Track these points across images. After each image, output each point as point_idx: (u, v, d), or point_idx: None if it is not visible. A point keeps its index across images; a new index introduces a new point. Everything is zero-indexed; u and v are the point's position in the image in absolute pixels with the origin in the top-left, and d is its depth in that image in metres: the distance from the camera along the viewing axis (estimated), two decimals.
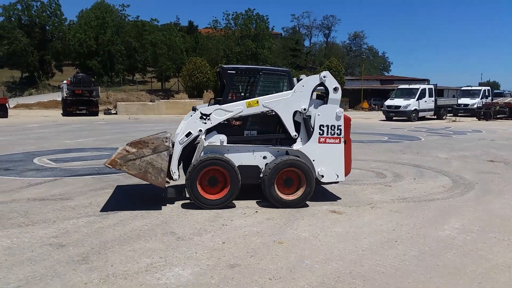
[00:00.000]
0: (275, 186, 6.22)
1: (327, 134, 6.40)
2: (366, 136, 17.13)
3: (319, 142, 6.39)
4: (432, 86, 30.32)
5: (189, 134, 6.20)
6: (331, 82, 6.43)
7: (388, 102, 29.63)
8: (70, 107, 30.73)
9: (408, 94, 29.19)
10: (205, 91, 44.98)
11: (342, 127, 6.43)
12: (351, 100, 46.33)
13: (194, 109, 6.60)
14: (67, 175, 8.53)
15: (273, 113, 6.36)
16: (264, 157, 6.39)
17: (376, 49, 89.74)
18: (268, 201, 6.23)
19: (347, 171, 6.64)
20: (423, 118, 29.06)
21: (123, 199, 6.69)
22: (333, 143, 6.41)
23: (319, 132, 6.38)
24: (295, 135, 6.39)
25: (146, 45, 50.85)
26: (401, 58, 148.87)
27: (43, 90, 46.52)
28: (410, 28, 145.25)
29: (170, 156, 6.16)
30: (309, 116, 6.45)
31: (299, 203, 6.29)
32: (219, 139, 6.20)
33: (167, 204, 6.34)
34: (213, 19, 60.66)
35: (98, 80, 44.94)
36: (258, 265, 4.16)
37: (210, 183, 6.15)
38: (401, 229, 5.34)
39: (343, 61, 66.89)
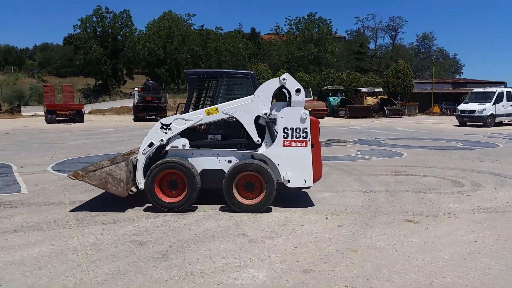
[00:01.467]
0: (234, 190, 6.09)
1: (292, 137, 6.15)
2: (439, 143, 16.30)
3: (284, 145, 6.16)
4: (510, 90, 28.19)
5: (151, 144, 6.26)
6: (292, 84, 6.24)
7: (462, 107, 27.94)
8: (141, 113, 32.24)
9: (483, 98, 27.35)
10: None
11: (308, 130, 6.16)
12: (421, 104, 44.25)
13: (157, 120, 6.63)
14: None
15: (234, 119, 6.25)
16: (229, 161, 6.25)
17: (447, 50, 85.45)
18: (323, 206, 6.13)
19: (316, 176, 6.35)
20: (500, 124, 27.11)
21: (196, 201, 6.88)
22: (298, 146, 6.15)
23: (283, 136, 6.16)
24: (258, 141, 6.19)
25: (211, 53, 52.32)
26: (474, 60, 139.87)
27: (115, 97, 49.37)
28: (484, 27, 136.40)
29: (135, 167, 6.28)
30: (274, 119, 6.24)
31: (260, 208, 6.09)
32: (181, 143, 6.24)
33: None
34: (275, 25, 61.18)
35: (166, 87, 46.94)
36: (333, 272, 4.10)
37: (170, 186, 6.14)
38: (483, 241, 5.00)
39: (411, 63, 64.24)
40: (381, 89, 41.70)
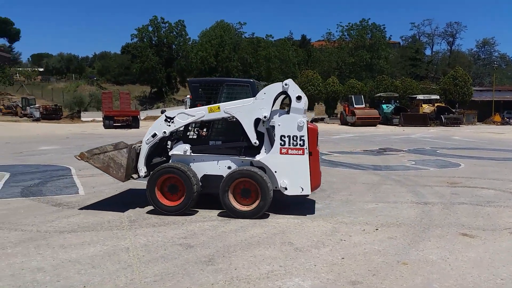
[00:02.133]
0: (230, 196, 6.13)
1: (289, 145, 6.10)
2: (500, 153, 15.37)
3: (281, 153, 6.13)
4: None
5: (154, 135, 6.47)
6: (294, 90, 6.15)
7: None
8: None
9: None
10: (316, 103, 45.02)
11: (306, 138, 6.07)
12: (480, 113, 42.00)
13: (163, 112, 6.73)
14: None
15: (234, 119, 6.25)
16: (229, 167, 6.30)
17: (510, 56, 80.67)
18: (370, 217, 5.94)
19: (314, 185, 6.24)
20: None
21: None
22: (295, 154, 6.09)
23: (280, 143, 6.13)
24: (255, 143, 6.18)
25: (260, 60, 52.80)
26: None
27: (169, 104, 51.12)
28: None
29: (138, 155, 6.51)
30: (274, 127, 6.20)
31: (255, 214, 6.07)
32: (183, 149, 6.39)
33: (283, 214, 6.43)
34: (327, 32, 60.76)
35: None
36: (381, 284, 3.97)
37: (170, 190, 6.30)
38: None
39: (470, 70, 61.22)
40: (437, 97, 40.11)
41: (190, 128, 6.70)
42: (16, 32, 75.39)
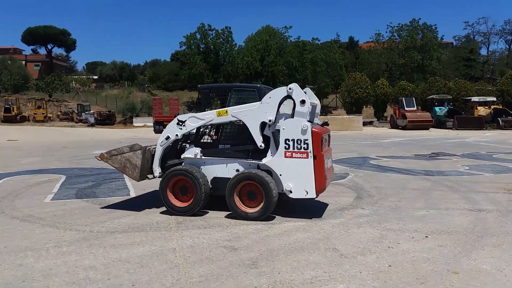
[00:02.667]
0: (235, 198, 6.29)
1: (293, 149, 6.15)
2: None
3: (285, 156, 6.19)
4: None
5: (168, 137, 6.83)
6: (298, 94, 6.16)
7: None
8: None
9: None
10: (364, 106, 44.03)
11: (310, 141, 6.07)
12: None
13: (175, 116, 7.04)
14: None
15: (241, 122, 6.43)
16: (237, 170, 6.47)
17: None
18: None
19: (319, 188, 6.22)
20: None
21: (287, 211, 6.93)
22: (300, 158, 6.12)
23: (285, 146, 6.19)
24: (261, 146, 6.29)
25: (306, 64, 52.47)
26: None
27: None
28: None
29: (153, 156, 6.89)
30: (279, 130, 6.28)
31: (259, 217, 6.19)
32: (194, 152, 6.66)
33: (328, 220, 6.35)
34: (376, 33, 59.28)
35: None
36: None
37: (181, 191, 6.59)
38: None
39: None
40: (494, 98, 38.01)
41: (201, 132, 6.96)
42: (72, 42, 79.82)
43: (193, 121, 6.72)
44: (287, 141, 6.21)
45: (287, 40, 58.90)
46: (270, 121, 6.25)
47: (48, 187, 9.13)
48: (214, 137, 7.02)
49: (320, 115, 7.56)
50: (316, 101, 6.95)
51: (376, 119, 42.67)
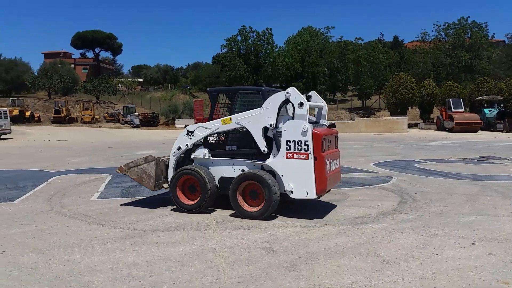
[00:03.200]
0: (239, 197, 6.49)
1: (294, 150, 6.26)
2: None
3: (287, 157, 6.32)
4: None
5: (179, 148, 7.16)
6: (296, 97, 6.31)
7: None
8: None
9: None
10: (409, 108, 42.65)
11: (310, 143, 6.15)
12: None
13: (185, 126, 7.42)
14: None
15: (245, 129, 6.63)
16: (243, 170, 6.67)
17: None
18: None
19: (320, 189, 6.27)
20: None
21: (325, 214, 6.85)
22: (300, 159, 6.22)
23: (286, 148, 6.32)
24: (264, 150, 6.48)
25: (349, 64, 51.60)
26: None
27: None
28: None
29: (167, 166, 7.27)
30: (280, 132, 6.41)
31: (260, 216, 6.33)
32: (203, 153, 6.98)
33: (370, 224, 6.20)
34: (422, 32, 57.27)
35: None
36: None
37: (190, 190, 6.91)
38: None
39: None
40: None
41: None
42: (118, 46, 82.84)
43: (201, 130, 7.05)
44: (288, 143, 6.33)
45: (328, 41, 58.20)
46: (271, 125, 6.44)
47: (94, 186, 9.50)
48: (222, 138, 7.25)
49: (362, 116, 7.56)
50: (323, 103, 7.18)
51: (421, 121, 41.26)
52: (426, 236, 5.65)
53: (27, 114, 44.93)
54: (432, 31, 58.90)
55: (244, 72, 53.42)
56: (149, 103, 56.13)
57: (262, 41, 55.98)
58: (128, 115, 45.11)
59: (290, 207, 7.01)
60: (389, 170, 11.84)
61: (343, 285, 4.03)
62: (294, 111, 6.36)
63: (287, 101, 6.41)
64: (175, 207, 7.14)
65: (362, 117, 42.75)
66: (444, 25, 51.63)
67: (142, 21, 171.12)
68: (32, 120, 44.86)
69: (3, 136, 27.69)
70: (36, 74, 60.75)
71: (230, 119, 6.77)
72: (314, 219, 6.45)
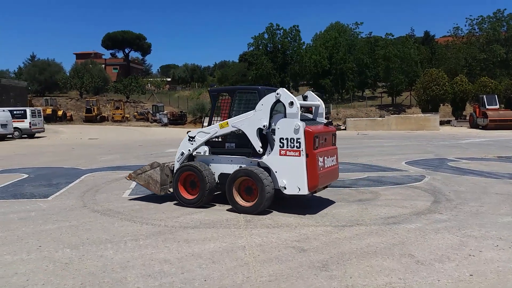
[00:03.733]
0: (234, 193, 6.77)
1: (287, 147, 6.42)
2: None
3: (280, 154, 6.51)
4: None
5: (182, 153, 7.55)
6: (286, 97, 6.48)
7: None
8: None
9: None
10: (441, 104, 41.49)
11: (302, 140, 6.31)
12: None
13: (187, 132, 7.70)
14: None
15: (241, 131, 6.89)
16: (240, 167, 6.93)
17: None
18: None
19: (311, 185, 6.38)
20: None
21: (356, 214, 6.73)
22: (293, 155, 6.38)
23: (280, 145, 6.51)
24: (260, 151, 6.71)
25: (378, 60, 50.60)
26: None
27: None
28: None
29: (172, 171, 7.64)
30: (274, 130, 6.61)
31: (254, 211, 6.56)
32: (203, 150, 7.35)
33: (403, 224, 6.04)
34: (454, 26, 55.55)
35: (330, 97, 47.29)
36: None
37: (191, 185, 7.27)
38: None
39: None
40: None
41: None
42: (147, 46, 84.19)
43: (201, 135, 7.39)
44: (281, 140, 6.52)
45: (357, 37, 57.30)
46: (264, 126, 6.67)
47: (126, 183, 9.67)
48: (222, 136, 7.46)
49: (392, 114, 7.48)
50: (319, 102, 7.37)
51: (454, 118, 40.10)
52: (461, 236, 5.46)
53: (60, 113, 46.42)
54: (465, 26, 57.11)
55: (271, 70, 53.29)
56: (177, 101, 56.89)
57: (289, 39, 55.69)
58: (157, 114, 45.88)
59: (320, 207, 6.93)
60: (422, 169, 11.54)
61: (377, 286, 3.93)
62: (285, 110, 6.54)
63: (278, 101, 6.60)
64: (204, 206, 7.17)
65: (392, 114, 41.84)
66: (478, 19, 49.95)
67: (170, 22, 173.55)
68: (64, 119, 46.31)
69: (37, 135, 28.66)
70: (68, 74, 62.57)
71: (227, 123, 7.09)
72: (345, 219, 6.34)
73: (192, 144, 7.46)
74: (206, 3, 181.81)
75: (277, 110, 6.79)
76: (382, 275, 4.20)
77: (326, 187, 7.36)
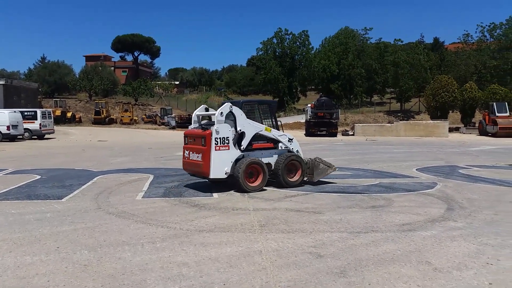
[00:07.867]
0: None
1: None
2: None
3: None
4: None
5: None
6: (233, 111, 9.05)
7: None
8: (312, 128, 33.28)
9: None
10: (450, 111, 41.24)
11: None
12: None
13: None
14: (316, 191, 9.18)
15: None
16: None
17: None
18: None
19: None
20: None
21: (371, 220, 6.71)
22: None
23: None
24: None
25: (387, 66, 50.46)
26: None
27: (289, 113, 51.99)
28: None
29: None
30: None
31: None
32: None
33: (418, 232, 6.03)
34: (464, 33, 55.32)
35: (338, 102, 47.21)
36: None
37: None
38: None
39: None
40: None
41: None
42: (156, 50, 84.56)
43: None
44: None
45: (366, 42, 57.22)
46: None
47: (138, 186, 9.74)
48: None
49: (401, 120, 7.61)
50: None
51: (463, 125, 39.85)
52: (478, 244, 5.44)
53: (69, 114, 46.74)
54: (476, 32, 56.75)
55: (279, 74, 53.34)
56: (185, 105, 57.07)
57: (298, 43, 55.75)
58: (165, 117, 46.05)
59: (334, 213, 6.91)
60: (433, 176, 11.48)
61: None
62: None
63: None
64: (218, 209, 7.20)
65: (400, 120, 41.63)
66: (489, 26, 49.69)
67: (179, 25, 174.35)
68: (73, 121, 46.60)
69: (46, 136, 28.89)
70: (77, 76, 63.02)
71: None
72: (360, 225, 6.33)
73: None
74: (215, 7, 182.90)
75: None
76: (401, 282, 4.19)
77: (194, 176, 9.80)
